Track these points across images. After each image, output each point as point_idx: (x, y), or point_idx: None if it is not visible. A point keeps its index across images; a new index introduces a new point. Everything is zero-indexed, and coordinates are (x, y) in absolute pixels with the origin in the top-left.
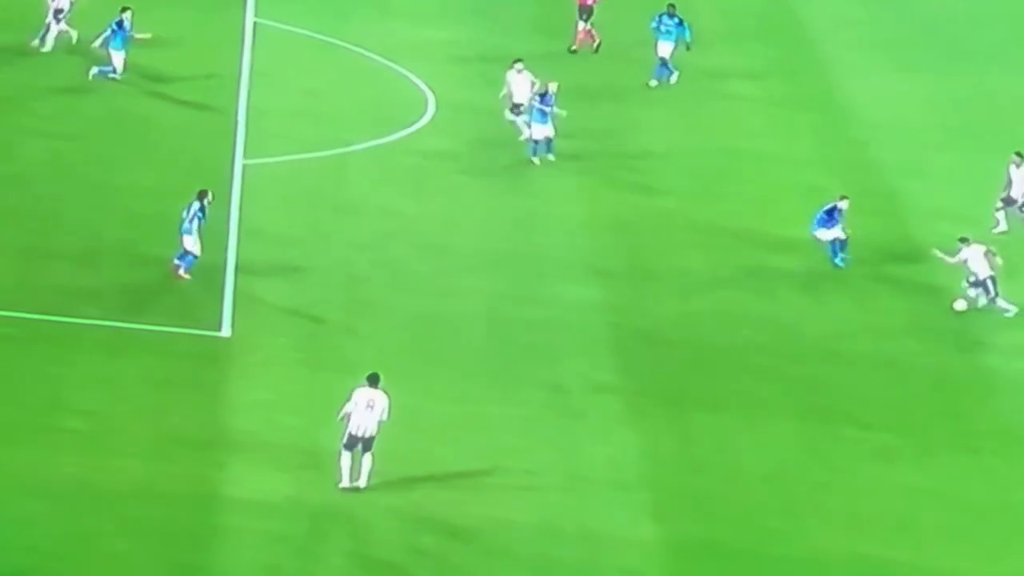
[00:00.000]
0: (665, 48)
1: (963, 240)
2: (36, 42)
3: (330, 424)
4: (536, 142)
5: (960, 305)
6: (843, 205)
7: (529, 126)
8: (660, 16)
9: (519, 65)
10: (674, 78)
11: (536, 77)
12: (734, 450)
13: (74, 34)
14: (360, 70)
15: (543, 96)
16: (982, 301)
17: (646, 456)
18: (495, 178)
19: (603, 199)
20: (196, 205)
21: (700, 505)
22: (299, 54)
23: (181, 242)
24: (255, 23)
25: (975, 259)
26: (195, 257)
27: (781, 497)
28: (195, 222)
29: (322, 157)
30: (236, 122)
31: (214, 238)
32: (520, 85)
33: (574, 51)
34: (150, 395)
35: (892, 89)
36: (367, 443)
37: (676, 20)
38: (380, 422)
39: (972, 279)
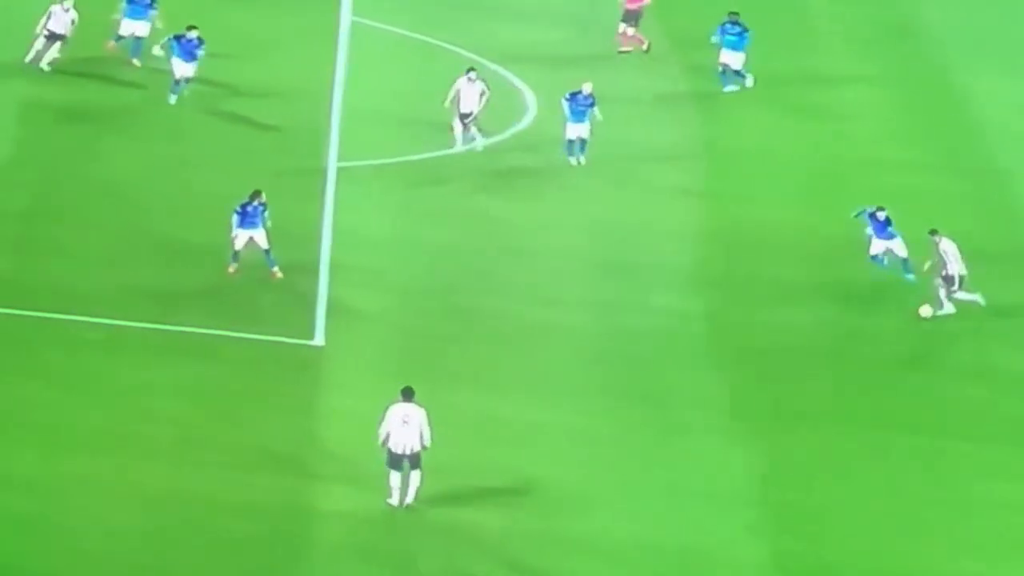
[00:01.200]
0: (729, 57)
1: (934, 232)
2: (31, 57)
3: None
4: (571, 142)
5: (926, 311)
6: (882, 215)
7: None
8: (723, 25)
9: (472, 73)
10: (749, 81)
11: (584, 81)
12: (840, 465)
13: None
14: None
15: (575, 95)
16: (942, 294)
17: (750, 471)
18: (596, 184)
19: (705, 207)
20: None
21: (806, 522)
22: (397, 54)
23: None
24: (352, 21)
25: (951, 252)
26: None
27: (890, 513)
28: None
29: (418, 160)
30: (331, 123)
31: (306, 243)
32: (470, 94)
33: (623, 52)
34: (240, 404)
35: (997, 91)
36: (413, 460)
37: (739, 28)
38: (423, 436)
39: (943, 273)
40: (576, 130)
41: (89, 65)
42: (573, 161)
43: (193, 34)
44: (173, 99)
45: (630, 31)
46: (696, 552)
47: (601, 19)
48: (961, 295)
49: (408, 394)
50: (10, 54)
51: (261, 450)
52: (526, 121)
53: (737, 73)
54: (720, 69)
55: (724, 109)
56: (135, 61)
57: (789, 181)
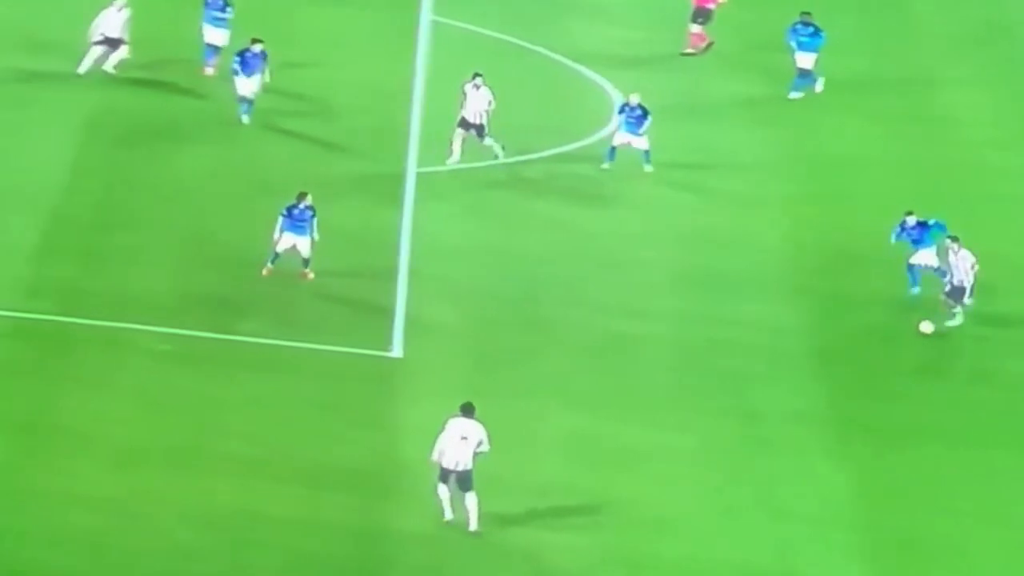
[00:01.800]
0: (804, 59)
1: (955, 239)
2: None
3: (506, 453)
4: (613, 148)
5: (926, 327)
6: (912, 221)
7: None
8: (795, 25)
9: (479, 79)
10: (819, 85)
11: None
12: (941, 485)
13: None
14: (544, 73)
15: (623, 107)
16: (957, 310)
17: (850, 490)
18: (685, 191)
19: (795, 215)
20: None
21: (911, 544)
22: (479, 55)
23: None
24: (432, 21)
25: (964, 263)
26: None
27: (995, 539)
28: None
29: (500, 166)
30: (409, 127)
31: (384, 251)
32: (476, 102)
33: (688, 54)
34: (314, 419)
35: None
36: (462, 478)
37: (812, 28)
38: (476, 454)
39: (949, 288)
40: (624, 138)
41: (155, 70)
42: (605, 165)
43: (257, 48)
44: (246, 119)
45: (695, 28)
46: (790, 575)
47: (685, 18)
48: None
49: (468, 410)
50: (70, 63)
51: (335, 467)
52: (611, 125)
53: (808, 75)
54: (797, 72)
55: (811, 113)
56: (208, 70)
57: (881, 188)
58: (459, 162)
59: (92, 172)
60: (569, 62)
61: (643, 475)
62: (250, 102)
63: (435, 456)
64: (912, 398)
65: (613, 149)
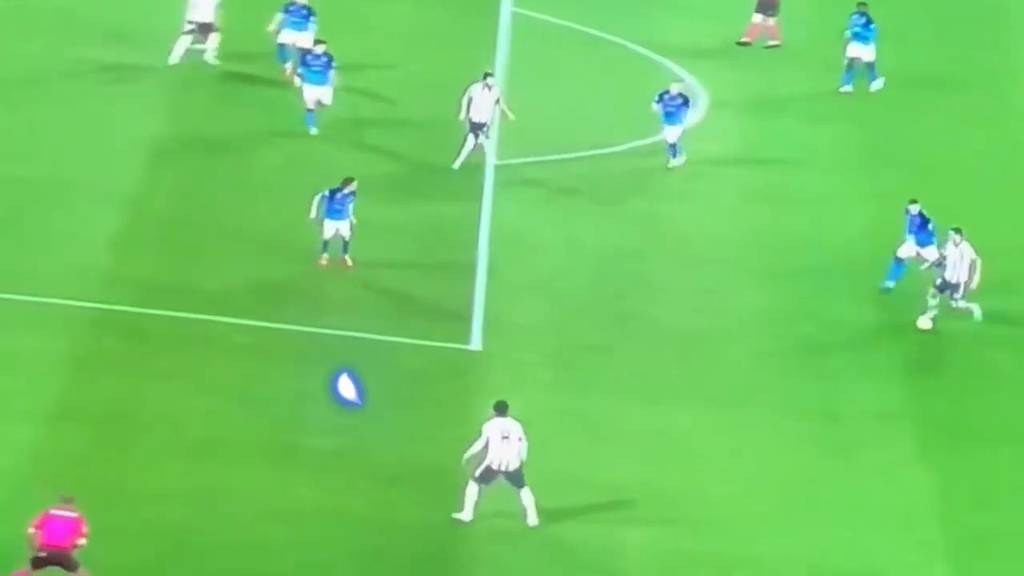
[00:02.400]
0: (856, 50)
1: (958, 231)
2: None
3: (583, 449)
4: (672, 146)
5: (924, 322)
6: (915, 209)
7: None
8: (851, 16)
9: (490, 79)
10: (878, 84)
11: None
12: None
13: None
14: (626, 66)
15: (662, 96)
16: (933, 302)
17: (935, 491)
18: (767, 187)
19: (878, 212)
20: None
21: (997, 547)
22: (560, 48)
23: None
24: (513, 13)
25: (964, 258)
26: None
27: None
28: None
29: (580, 158)
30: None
31: (463, 244)
32: (484, 103)
33: (744, 43)
34: (393, 413)
35: None
36: (513, 478)
37: (865, 19)
38: (520, 452)
39: (940, 281)
40: (674, 132)
41: (234, 63)
42: (672, 163)
43: (319, 49)
44: (314, 130)
45: (760, 19)
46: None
47: (782, 8)
48: (960, 303)
49: (502, 408)
50: (152, 56)
51: (413, 463)
52: (695, 118)
53: (869, 68)
54: (846, 64)
55: (888, 109)
56: (287, 67)
57: (958, 186)
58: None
59: (172, 165)
60: (651, 54)
61: (722, 473)
62: (315, 111)
63: (466, 456)
64: (994, 397)
65: (672, 147)
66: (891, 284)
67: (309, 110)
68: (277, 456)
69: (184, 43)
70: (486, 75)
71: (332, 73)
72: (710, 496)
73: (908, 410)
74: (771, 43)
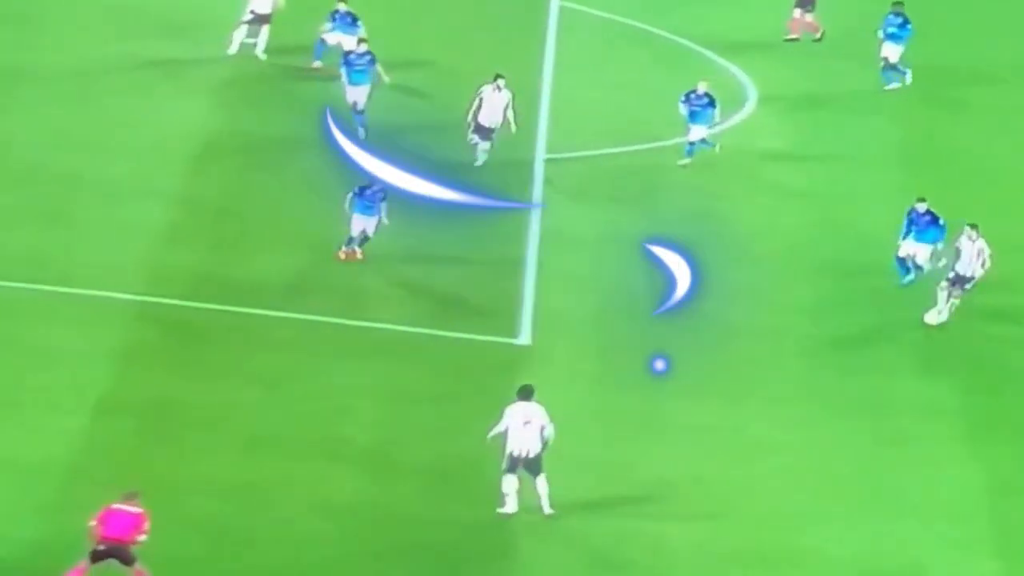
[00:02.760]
0: (889, 49)
1: (974, 227)
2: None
3: (631, 443)
4: (692, 144)
5: (932, 318)
6: (922, 207)
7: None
8: (887, 16)
9: (500, 81)
10: (908, 79)
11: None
12: None
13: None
14: (674, 60)
15: (688, 95)
16: (942, 295)
17: (982, 486)
18: (815, 182)
19: (939, 201)
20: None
21: None
22: (608, 42)
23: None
24: (561, 7)
25: (970, 253)
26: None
27: None
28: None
29: (629, 152)
30: (539, 114)
31: (512, 238)
32: (495, 105)
33: (792, 40)
34: (439, 407)
35: None
36: (531, 465)
37: (901, 19)
38: (543, 438)
39: (953, 275)
40: (698, 132)
41: (283, 57)
42: (682, 162)
43: (362, 48)
44: (362, 132)
45: (799, 14)
46: (917, 572)
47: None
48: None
49: (527, 393)
50: (203, 49)
51: (460, 456)
52: (743, 113)
53: (895, 67)
54: (881, 64)
55: (940, 105)
56: (317, 63)
57: (1001, 185)
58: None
59: (219, 159)
60: (698, 48)
61: (770, 468)
62: (360, 112)
63: (489, 436)
64: None
65: (691, 145)
66: (912, 277)
67: (354, 108)
68: (322, 450)
69: (242, 33)
70: (497, 76)
71: (374, 71)
72: (757, 491)
73: (956, 405)
74: (814, 36)
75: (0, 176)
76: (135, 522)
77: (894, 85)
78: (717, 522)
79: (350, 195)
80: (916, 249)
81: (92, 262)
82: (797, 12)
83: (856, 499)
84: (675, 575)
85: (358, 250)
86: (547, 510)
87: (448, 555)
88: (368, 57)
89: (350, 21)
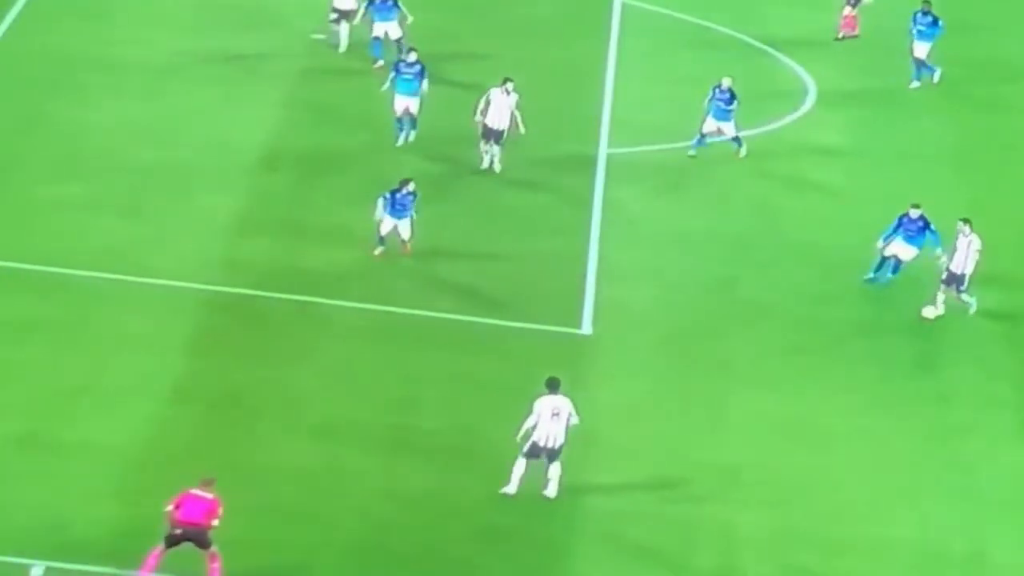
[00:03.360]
0: (921, 48)
1: (967, 221)
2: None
3: (696, 431)
4: (703, 136)
5: (930, 312)
6: (916, 214)
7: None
8: (915, 14)
9: (509, 84)
10: (937, 76)
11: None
12: None
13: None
14: (735, 56)
15: (715, 90)
16: (940, 298)
17: None
18: (875, 176)
19: (988, 203)
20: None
21: None
22: (670, 38)
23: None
24: (624, 4)
25: (964, 249)
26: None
27: None
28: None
29: (688, 147)
30: (602, 109)
31: (575, 230)
32: (501, 108)
33: (841, 39)
34: (505, 395)
35: None
36: (552, 453)
37: (931, 18)
38: (568, 428)
39: (946, 273)
40: (714, 124)
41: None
42: (691, 152)
43: (412, 57)
44: (401, 139)
45: (848, 10)
46: (978, 559)
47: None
48: (964, 297)
49: (554, 385)
50: (277, 43)
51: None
52: (803, 109)
53: (924, 65)
54: (914, 63)
55: (997, 104)
56: (379, 62)
57: None
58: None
59: (291, 151)
60: (758, 44)
61: (833, 455)
62: (405, 120)
63: (521, 433)
64: None
65: (702, 137)
66: (891, 277)
67: (398, 119)
68: (390, 437)
69: (345, 30)
70: (505, 80)
71: (425, 82)
72: (821, 479)
73: (1019, 395)
74: (842, 35)
75: (77, 167)
76: (210, 507)
77: (915, 84)
78: (782, 509)
79: (380, 201)
80: (902, 250)
81: (166, 253)
82: (847, 9)
83: (918, 487)
84: (741, 561)
85: (408, 245)
86: (551, 493)
87: (518, 539)
88: (418, 67)
89: (390, 6)
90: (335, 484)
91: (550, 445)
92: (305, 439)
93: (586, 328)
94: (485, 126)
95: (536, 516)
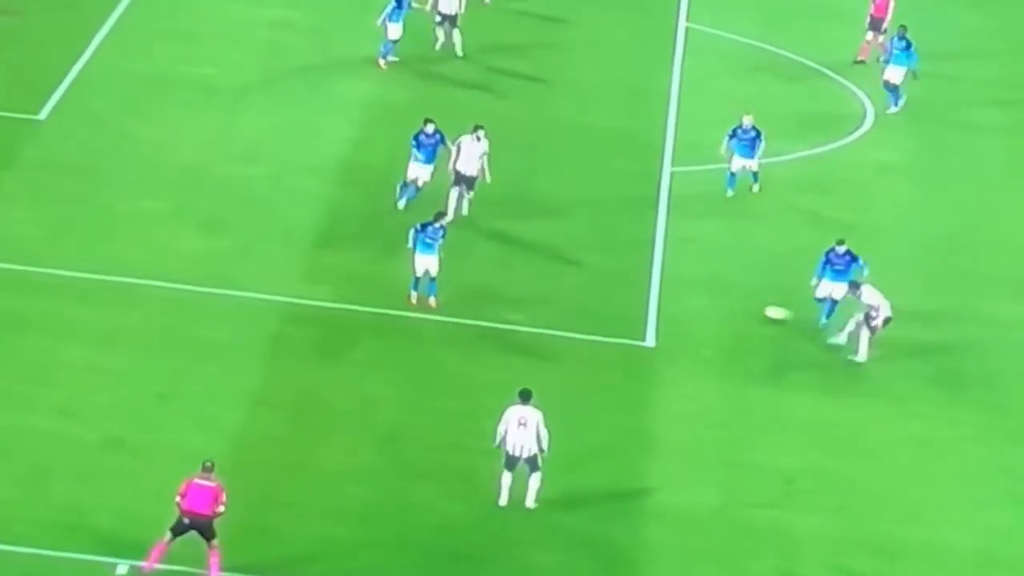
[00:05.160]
0: (893, 72)
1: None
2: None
3: (756, 438)
4: (732, 175)
5: (774, 313)
6: (842, 250)
7: (729, 160)
8: (891, 38)
9: (480, 132)
10: (898, 105)
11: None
12: None
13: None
14: (795, 77)
15: (735, 130)
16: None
17: None
18: (934, 194)
19: None
20: (439, 224)
21: None
22: (731, 60)
23: (427, 267)
24: (688, 28)
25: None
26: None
27: None
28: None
29: (727, 190)
30: (666, 127)
31: (640, 245)
32: (471, 154)
33: (860, 62)
34: (571, 404)
35: None
36: (530, 462)
37: (905, 43)
38: (540, 438)
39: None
40: (740, 162)
41: (430, 63)
42: (729, 193)
43: (430, 128)
44: (402, 203)
45: (879, 38)
46: None
47: (948, 24)
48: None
49: (526, 396)
50: (354, 62)
51: (593, 449)
52: (862, 130)
53: (895, 89)
54: (884, 86)
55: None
56: (384, 61)
57: None
58: (453, 220)
59: (368, 166)
60: (817, 66)
61: (891, 463)
62: (410, 188)
63: (496, 441)
64: None
65: (732, 175)
66: (826, 322)
67: (404, 184)
68: (462, 443)
69: (442, 33)
70: (476, 127)
71: (441, 150)
72: (879, 485)
73: None
74: (860, 59)
75: (160, 182)
76: (213, 495)
77: (893, 109)
78: (840, 514)
79: (412, 231)
80: (833, 288)
81: (247, 265)
82: (874, 36)
83: (975, 493)
84: (800, 565)
85: (432, 299)
86: (530, 504)
87: (590, 541)
88: (437, 137)
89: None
90: (405, 485)
91: (521, 455)
92: (377, 445)
93: (650, 340)
94: (457, 172)
95: (597, 520)
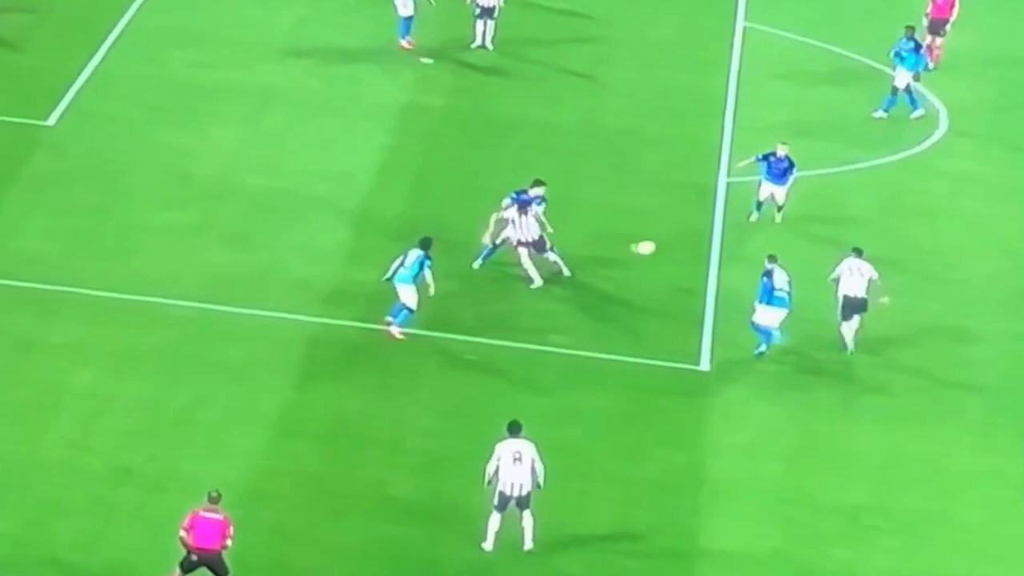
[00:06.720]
0: (900, 76)
1: (858, 251)
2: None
3: (821, 472)
4: (759, 203)
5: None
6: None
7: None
8: (899, 40)
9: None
10: (917, 111)
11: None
12: None
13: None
14: (862, 81)
15: (767, 157)
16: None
17: None
18: (1012, 203)
19: None
20: (418, 253)
21: None
22: (792, 62)
23: (396, 293)
24: (746, 27)
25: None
26: (411, 311)
27: None
28: (417, 271)
29: (817, 175)
30: (723, 136)
31: (693, 262)
32: (530, 221)
33: (931, 69)
34: (623, 431)
35: None
36: (521, 501)
37: (913, 44)
38: (535, 473)
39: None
40: (769, 189)
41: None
42: (753, 218)
43: (538, 192)
44: (477, 263)
45: (939, 40)
46: None
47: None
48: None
49: (515, 429)
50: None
51: (643, 480)
52: (936, 136)
53: (894, 93)
54: (890, 91)
55: None
56: (404, 42)
57: None
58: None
59: (399, 180)
60: (887, 69)
61: (965, 499)
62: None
63: (487, 478)
64: None
65: (759, 204)
66: (769, 344)
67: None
68: None
69: (480, 27)
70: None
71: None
72: (948, 521)
73: None
74: (930, 65)
75: (183, 194)
76: (220, 528)
77: (880, 113)
78: (907, 552)
79: (396, 262)
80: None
81: (272, 282)
82: (934, 39)
83: None
84: None
85: (394, 329)
86: (528, 545)
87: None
88: (539, 200)
89: None
90: (440, 518)
91: (517, 493)
92: (412, 474)
93: (704, 364)
94: (520, 242)
95: (652, 558)
